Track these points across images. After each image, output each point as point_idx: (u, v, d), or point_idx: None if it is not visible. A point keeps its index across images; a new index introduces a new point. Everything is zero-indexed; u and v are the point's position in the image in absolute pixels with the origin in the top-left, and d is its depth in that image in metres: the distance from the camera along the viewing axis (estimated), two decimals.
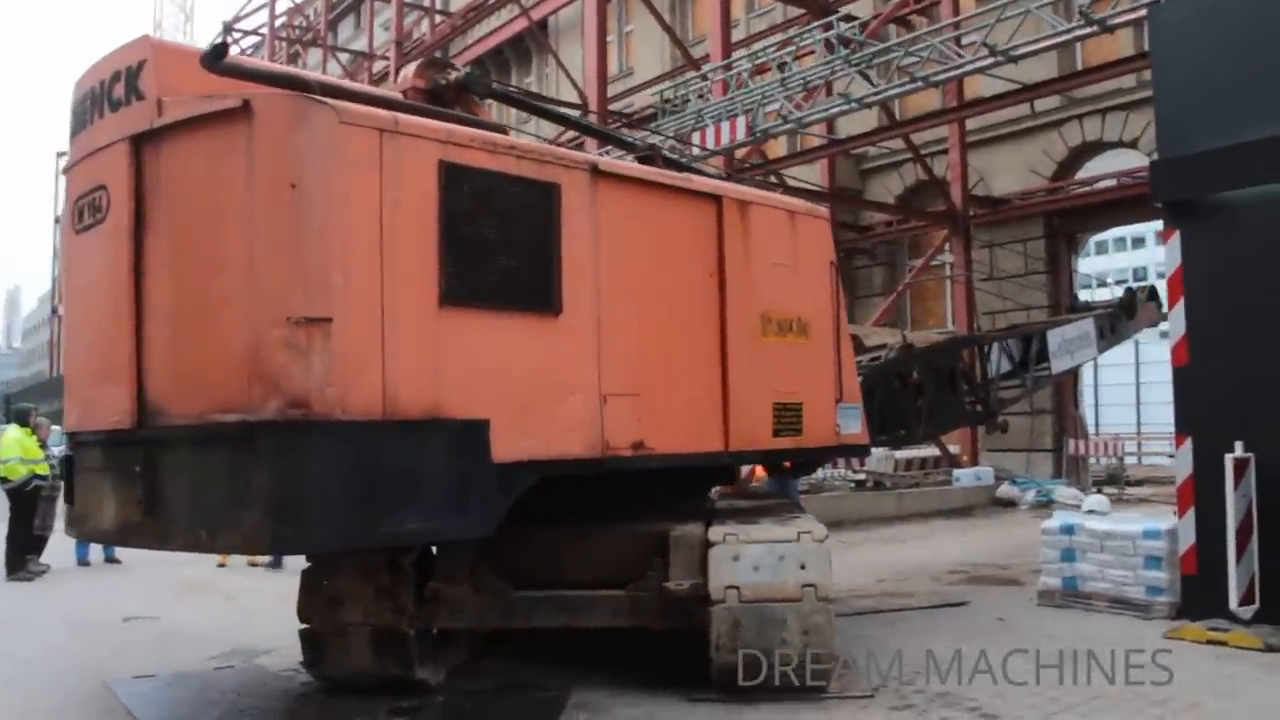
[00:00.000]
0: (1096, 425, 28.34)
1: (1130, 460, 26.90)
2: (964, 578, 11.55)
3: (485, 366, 5.93)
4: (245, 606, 10.49)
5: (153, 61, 5.84)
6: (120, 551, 13.74)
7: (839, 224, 24.11)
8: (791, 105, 17.58)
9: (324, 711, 6.80)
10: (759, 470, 10.16)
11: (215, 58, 5.59)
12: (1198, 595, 8.43)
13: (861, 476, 19.92)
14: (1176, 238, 8.81)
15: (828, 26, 17.29)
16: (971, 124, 22.68)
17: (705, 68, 20.57)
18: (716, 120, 18.09)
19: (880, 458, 20.23)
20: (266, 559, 12.83)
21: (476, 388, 5.87)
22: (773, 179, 21.83)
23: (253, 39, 43.64)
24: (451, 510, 5.77)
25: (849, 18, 18.10)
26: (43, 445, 13.81)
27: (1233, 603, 7.92)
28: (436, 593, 6.89)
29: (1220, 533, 8.03)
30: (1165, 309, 9.27)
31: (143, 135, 5.79)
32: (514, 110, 19.22)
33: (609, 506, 7.05)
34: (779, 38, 22.83)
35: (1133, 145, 21.83)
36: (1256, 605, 7.94)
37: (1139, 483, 23.97)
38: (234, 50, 6.39)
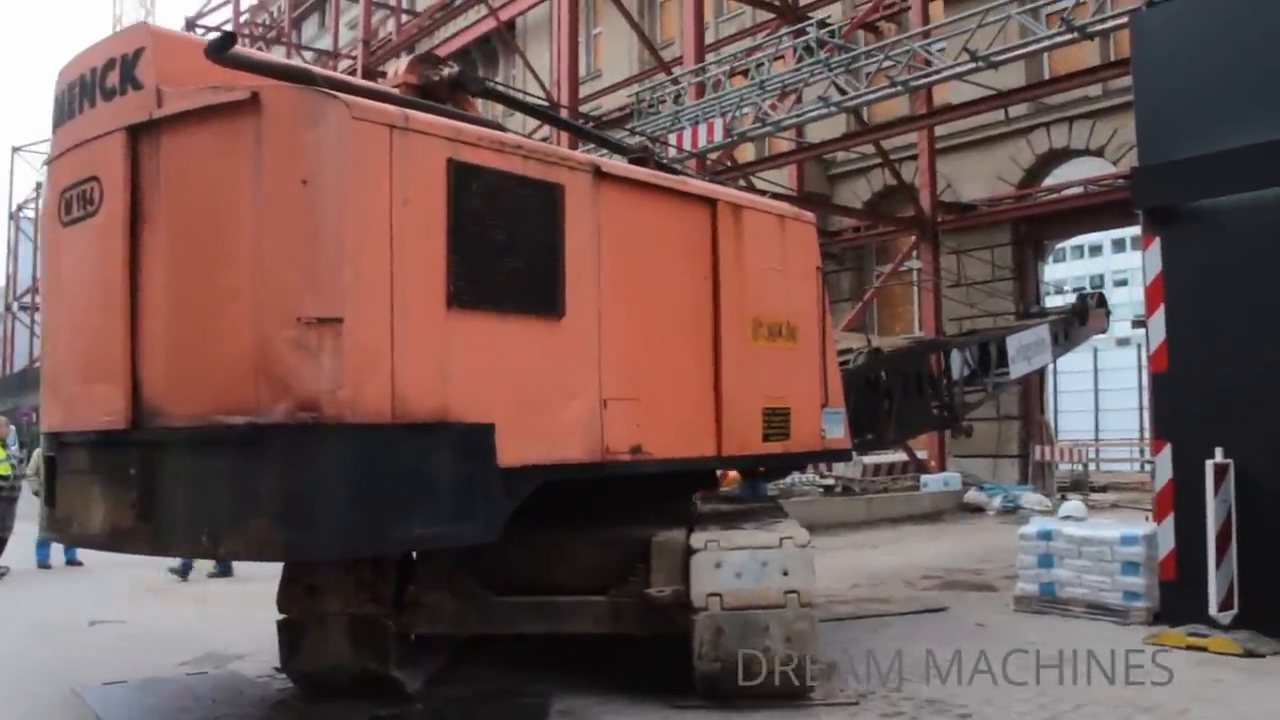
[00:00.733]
0: (1056, 431, 28.57)
1: (1090, 466, 27.14)
2: (938, 583, 11.56)
3: (491, 369, 5.83)
4: (216, 610, 10.31)
5: (151, 50, 5.62)
6: (82, 553, 13.47)
7: None
8: (767, 107, 17.58)
9: (301, 718, 6.65)
10: (731, 474, 10.13)
11: (222, 47, 5.41)
12: (1177, 601, 8.47)
13: (830, 481, 19.94)
14: (1156, 244, 8.84)
15: (801, 32, 17.32)
16: (940, 130, 22.81)
17: (677, 71, 20.56)
18: (693, 122, 18.07)
19: (849, 463, 20.27)
20: (214, 567, 12.46)
21: (483, 390, 5.76)
22: (742, 182, 21.80)
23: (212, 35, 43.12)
24: (459, 515, 5.64)
25: (822, 23, 18.13)
26: (2, 444, 13.52)
27: (1212, 608, 7.95)
28: (416, 598, 6.79)
29: (1199, 538, 8.06)
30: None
31: (140, 126, 5.58)
32: (497, 108, 19.05)
33: (593, 511, 6.97)
34: (749, 42, 22.90)
35: (1099, 153, 22.07)
36: (1235, 610, 7.99)
37: (1102, 488, 24.19)
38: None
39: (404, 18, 33.79)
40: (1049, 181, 23.60)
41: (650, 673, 6.81)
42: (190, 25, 40.35)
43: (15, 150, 55.26)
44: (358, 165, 5.31)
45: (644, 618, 6.58)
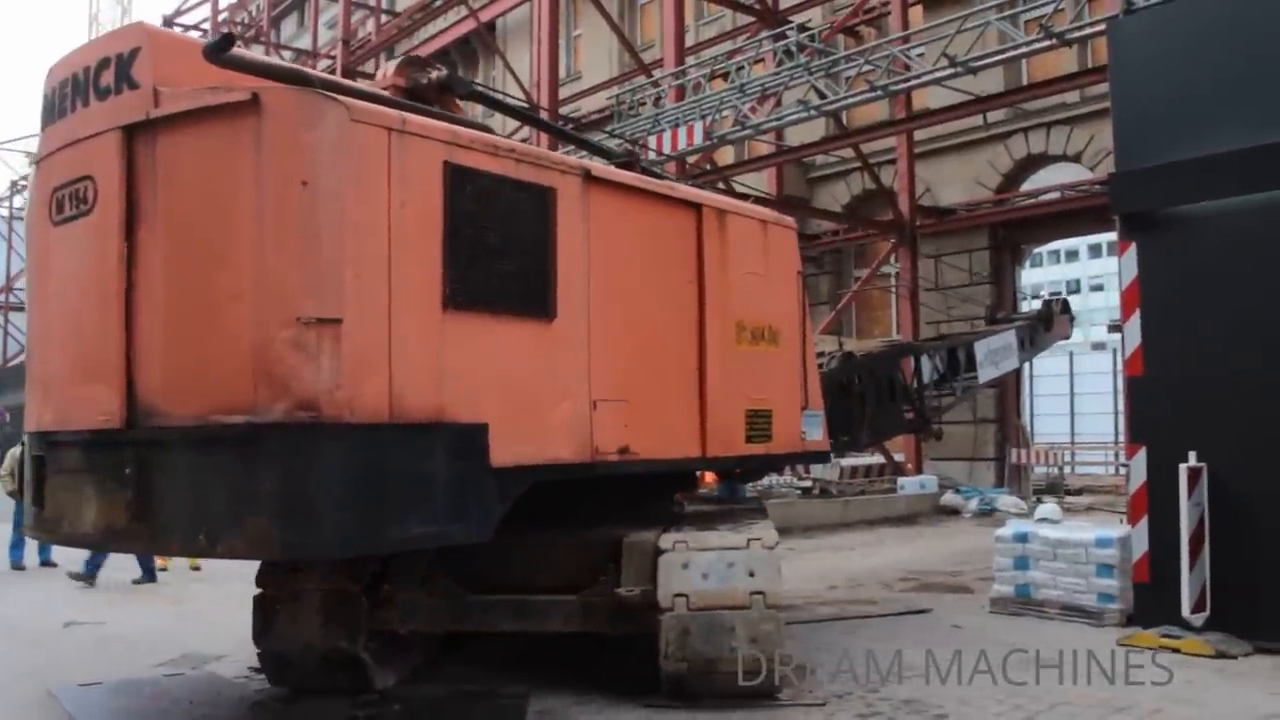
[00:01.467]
0: (1032, 435, 28.78)
1: (1065, 470, 27.32)
2: (915, 585, 11.62)
3: (485, 370, 5.89)
4: (192, 611, 10.25)
5: (148, 50, 5.62)
6: (57, 555, 13.38)
7: None
8: (747, 110, 17.64)
9: (280, 719, 6.64)
10: (708, 476, 10.21)
11: (221, 48, 5.44)
12: (1150, 603, 8.54)
13: (808, 484, 19.97)
14: (1132, 250, 8.92)
15: (781, 36, 17.38)
16: (919, 135, 22.94)
17: (658, 73, 20.60)
18: (673, 125, 18.11)
19: (826, 465, 20.34)
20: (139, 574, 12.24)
21: (477, 391, 5.82)
22: (721, 185, 21.87)
23: (193, 35, 42.93)
24: (453, 515, 5.70)
25: (802, 27, 18.21)
26: None
27: (1185, 610, 8.03)
28: (391, 595, 6.82)
29: (1173, 541, 8.15)
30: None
31: (137, 125, 5.57)
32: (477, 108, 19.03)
33: (573, 512, 7.02)
34: (729, 45, 22.96)
35: (1076, 159, 22.22)
36: (1207, 613, 8.07)
37: (1077, 491, 24.36)
38: None
39: (383, 18, 33.69)
40: (1027, 187, 23.75)
41: (628, 674, 6.82)
42: (168, 23, 40.12)
43: None
44: (357, 167, 5.35)
45: (614, 617, 6.63)
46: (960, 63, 15.03)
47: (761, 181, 25.17)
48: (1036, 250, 32.11)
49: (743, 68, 18.25)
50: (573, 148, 12.51)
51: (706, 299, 7.49)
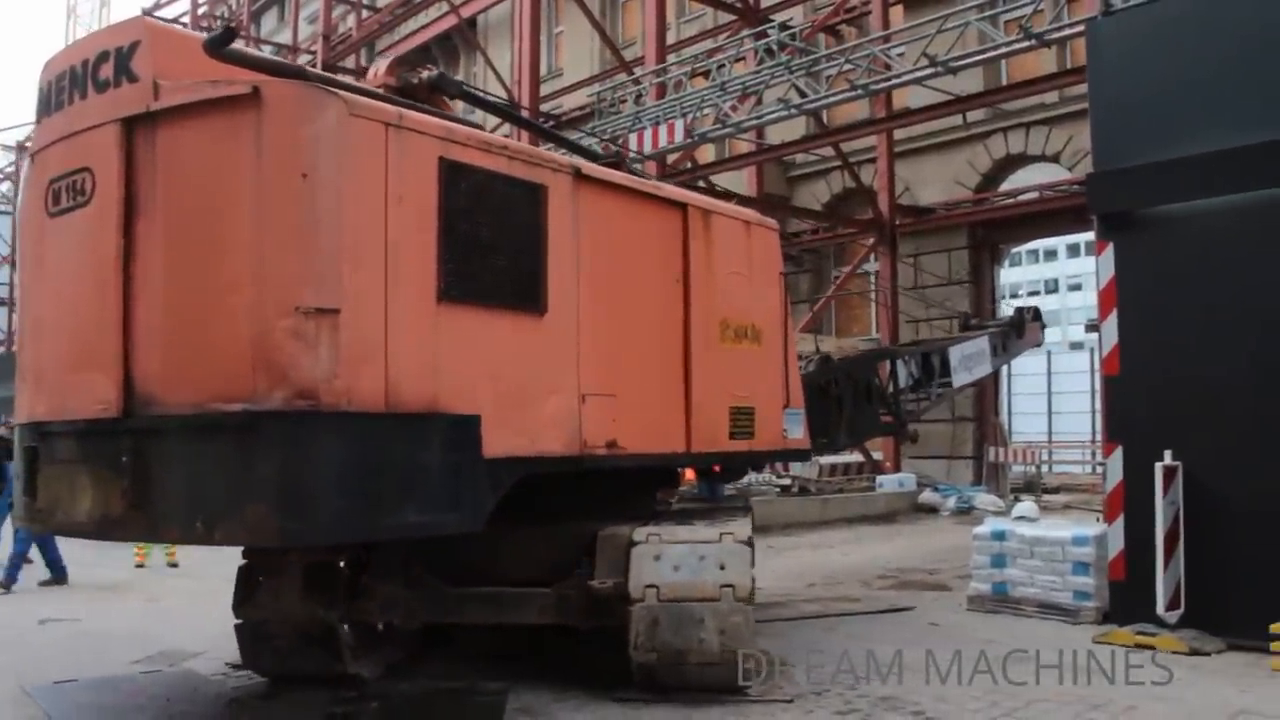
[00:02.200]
0: (1010, 433, 28.95)
1: (1042, 468, 27.47)
2: (893, 583, 11.67)
3: (478, 363, 5.99)
4: (168, 608, 10.20)
5: (148, 43, 5.68)
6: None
7: None
8: (728, 109, 17.67)
9: (257, 715, 6.63)
10: (688, 473, 10.27)
11: (222, 43, 5.50)
12: (1125, 600, 8.60)
13: (787, 482, 20.05)
14: (1110, 250, 8.98)
15: (762, 34, 17.41)
16: (899, 134, 23.04)
17: (639, 71, 20.59)
18: (654, 123, 18.11)
19: (805, 463, 20.41)
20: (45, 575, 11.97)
21: (470, 383, 5.92)
22: (701, 184, 21.89)
23: (178, 26, 42.63)
24: (446, 504, 5.79)
25: (783, 26, 18.24)
26: None
27: (1160, 608, 8.09)
28: (370, 587, 6.88)
29: (1148, 539, 8.20)
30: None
31: (136, 118, 5.61)
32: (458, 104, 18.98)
33: (558, 506, 7.06)
34: (710, 43, 22.97)
35: (1055, 159, 22.36)
36: (1182, 610, 8.13)
37: (1055, 490, 24.49)
38: None
39: (364, 13, 33.60)
40: (1005, 186, 23.89)
41: (608, 668, 6.84)
42: (147, 16, 39.81)
43: None
44: (356, 161, 5.44)
45: (587, 610, 6.69)
46: (940, 62, 15.11)
47: (742, 180, 25.21)
48: (1015, 250, 32.27)
49: (724, 66, 18.29)
50: (550, 145, 12.48)
51: (692, 297, 7.61)
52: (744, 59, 19.86)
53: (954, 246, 23.88)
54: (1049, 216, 22.40)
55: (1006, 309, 23.29)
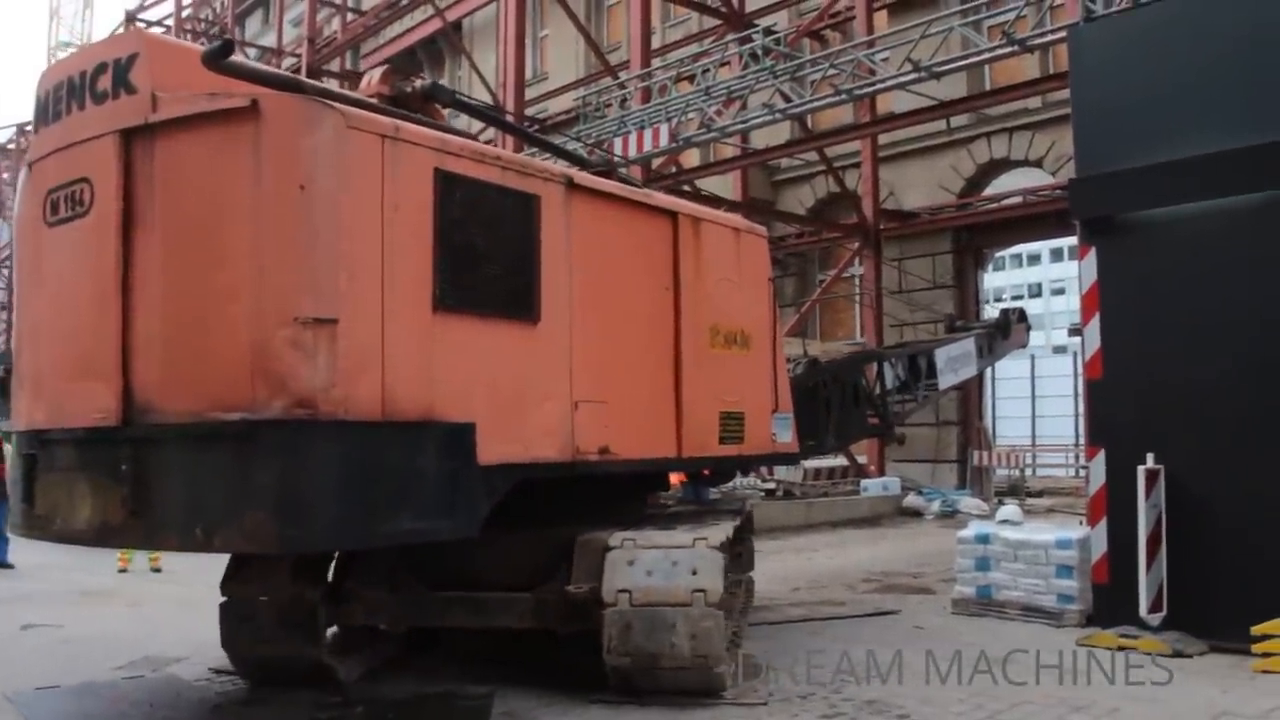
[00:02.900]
0: (994, 437, 29.09)
1: (1026, 472, 27.60)
2: (877, 586, 11.70)
3: (473, 371, 6.07)
4: (151, 614, 10.14)
5: (145, 56, 5.74)
6: (14, 556, 13.21)
7: None
8: (713, 113, 17.70)
9: None
10: (674, 478, 10.32)
11: (220, 55, 5.56)
12: (1109, 603, 8.63)
13: (771, 485, 20.06)
14: (1093, 254, 9.03)
15: (747, 39, 17.45)
16: (883, 139, 23.10)
17: (624, 75, 20.61)
18: (639, 127, 18.13)
19: (789, 467, 20.44)
20: None
21: (465, 391, 5.99)
22: (686, 188, 21.92)
23: (156, 30, 42.47)
24: (442, 511, 5.87)
25: (768, 31, 18.29)
26: None
27: (1143, 610, 8.12)
28: (354, 591, 6.95)
29: (1131, 542, 8.24)
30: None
31: (135, 129, 5.66)
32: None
33: (547, 512, 7.08)
34: (695, 47, 23.00)
35: (1038, 164, 22.47)
36: (1164, 613, 8.17)
37: (1038, 493, 24.59)
38: None
39: (349, 16, 33.52)
40: (989, 191, 23.99)
41: (591, 672, 6.84)
42: (130, 19, 39.73)
43: None
44: (353, 172, 5.52)
45: (565, 614, 6.74)
46: (924, 68, 15.16)
47: (727, 185, 25.26)
48: (999, 254, 32.42)
49: (709, 70, 18.31)
50: (534, 151, 12.50)
51: (682, 304, 7.73)
52: (729, 63, 19.89)
53: (938, 251, 23.97)
54: (1032, 221, 22.51)
55: (990, 312, 23.40)
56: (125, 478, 5.55)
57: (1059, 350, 46.19)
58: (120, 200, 5.67)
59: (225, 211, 5.47)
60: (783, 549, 15.26)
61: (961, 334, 14.99)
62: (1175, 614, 8.14)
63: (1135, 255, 8.86)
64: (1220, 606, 8.02)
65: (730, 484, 18.35)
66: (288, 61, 34.78)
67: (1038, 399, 40.10)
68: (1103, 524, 8.78)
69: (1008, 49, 14.57)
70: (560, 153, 9.84)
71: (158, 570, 12.91)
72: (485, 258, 6.23)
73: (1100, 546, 8.78)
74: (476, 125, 19.48)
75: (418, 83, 7.17)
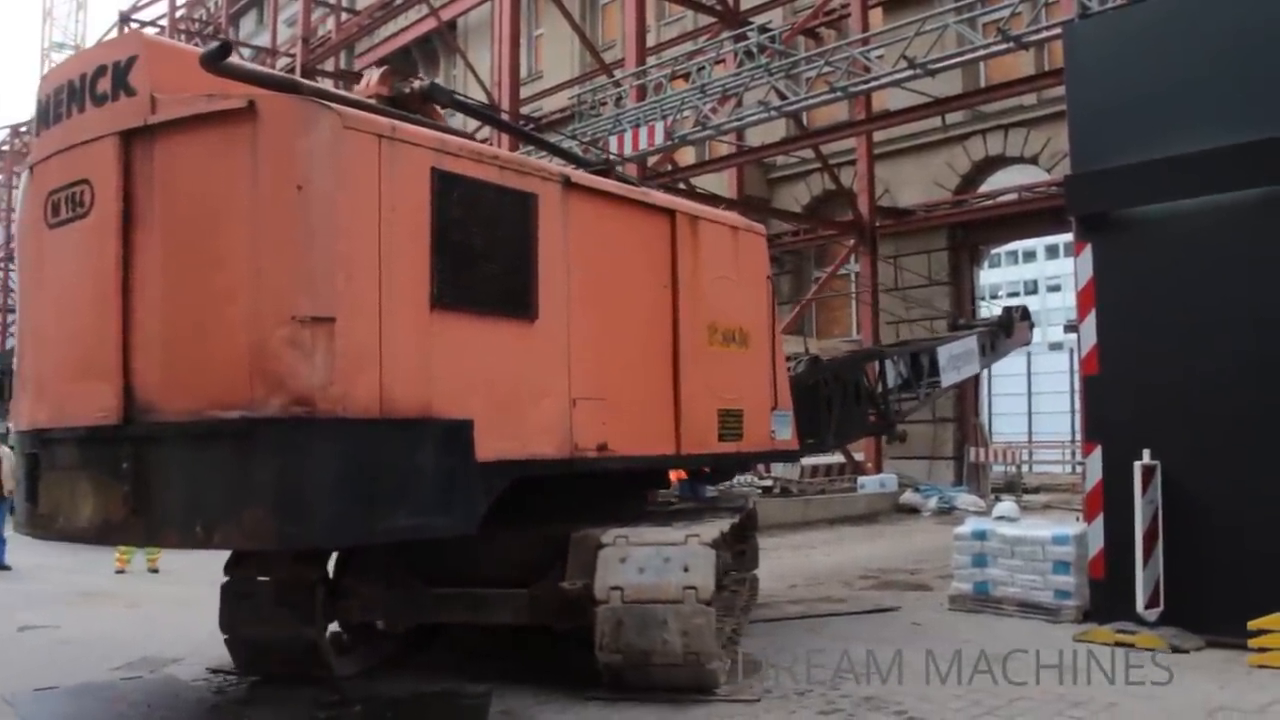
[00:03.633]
0: (991, 434, 29.13)
1: (1023, 468, 27.62)
2: (875, 583, 11.71)
3: (470, 369, 6.13)
4: (148, 614, 10.14)
5: (145, 58, 5.79)
6: (10, 557, 13.21)
7: None
8: (708, 111, 17.71)
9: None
10: (673, 475, 10.33)
11: (218, 57, 5.60)
12: (1105, 599, 8.65)
13: (769, 483, 20.07)
14: (1088, 251, 9.03)
15: (742, 37, 17.45)
16: (878, 136, 23.10)
17: (619, 73, 20.60)
18: (634, 125, 18.13)
19: (787, 464, 20.45)
20: None
21: (462, 389, 6.05)
22: (682, 186, 21.92)
23: (150, 30, 42.38)
24: (440, 508, 5.93)
25: (763, 28, 18.29)
26: None
27: (1139, 606, 8.13)
28: (351, 587, 6.99)
29: (1128, 538, 8.26)
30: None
31: (134, 131, 5.70)
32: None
33: (546, 509, 7.10)
34: (690, 45, 22.99)
35: (1034, 161, 22.47)
36: (1161, 608, 8.18)
37: (1035, 490, 24.61)
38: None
39: (344, 16, 33.48)
40: (985, 188, 23.99)
41: (587, 668, 6.85)
42: (125, 18, 39.68)
43: None
44: (350, 172, 5.57)
45: (559, 611, 6.76)
46: (919, 65, 15.18)
47: (722, 182, 25.24)
48: (994, 251, 32.43)
49: (704, 68, 18.31)
50: (530, 149, 12.50)
51: (680, 301, 7.77)
52: (724, 61, 19.90)
53: (933, 248, 23.97)
54: (1028, 218, 22.50)
55: (986, 310, 23.44)
56: (126, 476, 5.60)
57: (1055, 347, 46.13)
58: (120, 201, 5.72)
59: (224, 212, 5.52)
60: (780, 546, 15.26)
61: (964, 332, 14.99)
62: (1172, 609, 8.15)
63: (1131, 251, 8.87)
64: (1217, 602, 8.03)
65: (728, 482, 18.44)
66: (282, 61, 34.72)
67: (1034, 395, 40.17)
68: (1099, 520, 8.79)
69: (1003, 46, 14.58)
70: (557, 151, 9.85)
71: (155, 571, 12.90)
72: (483, 256, 6.27)
73: (1097, 542, 8.80)
74: (473, 124, 19.49)
75: (416, 83, 7.21)
